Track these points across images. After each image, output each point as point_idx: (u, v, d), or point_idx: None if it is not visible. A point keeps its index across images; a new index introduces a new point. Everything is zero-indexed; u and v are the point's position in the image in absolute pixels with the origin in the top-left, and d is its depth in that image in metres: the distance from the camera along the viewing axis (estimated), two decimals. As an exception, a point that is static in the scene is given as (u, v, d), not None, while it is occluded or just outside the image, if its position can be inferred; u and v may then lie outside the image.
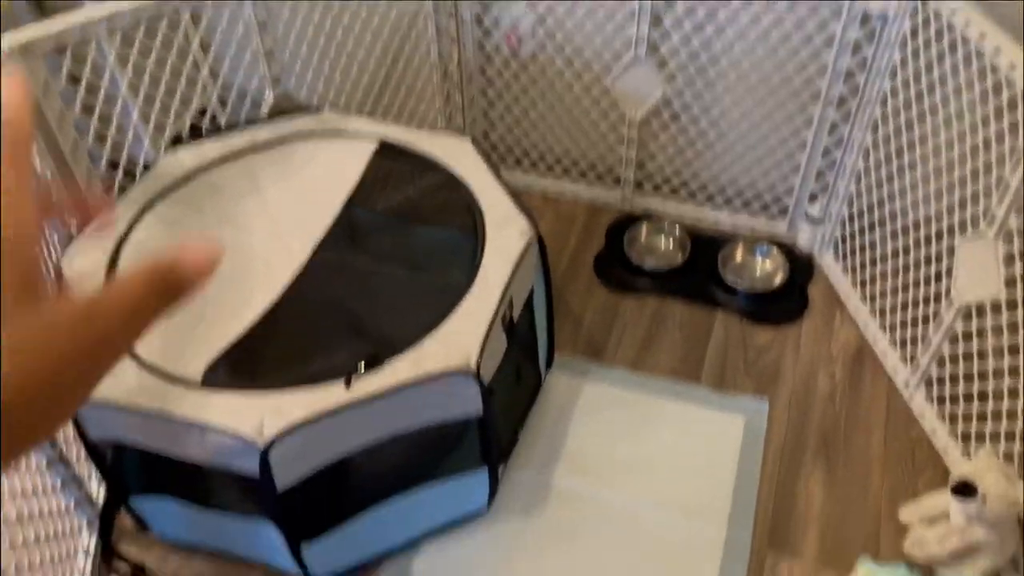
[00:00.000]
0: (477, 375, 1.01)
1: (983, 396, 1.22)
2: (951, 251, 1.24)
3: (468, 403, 1.05)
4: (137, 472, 1.10)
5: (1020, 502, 1.06)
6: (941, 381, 1.30)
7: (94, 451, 1.06)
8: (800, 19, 1.38)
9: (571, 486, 1.28)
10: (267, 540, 1.11)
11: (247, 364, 1.03)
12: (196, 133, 1.39)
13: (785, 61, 1.44)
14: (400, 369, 1.00)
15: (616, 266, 1.61)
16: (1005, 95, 1.10)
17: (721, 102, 1.54)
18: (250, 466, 0.96)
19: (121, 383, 1.00)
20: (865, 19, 1.32)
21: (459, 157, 1.30)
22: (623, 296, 1.57)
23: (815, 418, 1.37)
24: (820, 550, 1.20)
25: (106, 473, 1.10)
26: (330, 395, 0.97)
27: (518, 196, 1.22)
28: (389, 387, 0.98)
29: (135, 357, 1.03)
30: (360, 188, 1.27)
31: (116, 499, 1.14)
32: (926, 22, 1.22)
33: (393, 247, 1.19)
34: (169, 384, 1.00)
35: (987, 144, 1.15)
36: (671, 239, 1.65)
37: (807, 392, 1.41)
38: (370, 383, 0.99)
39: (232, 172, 1.30)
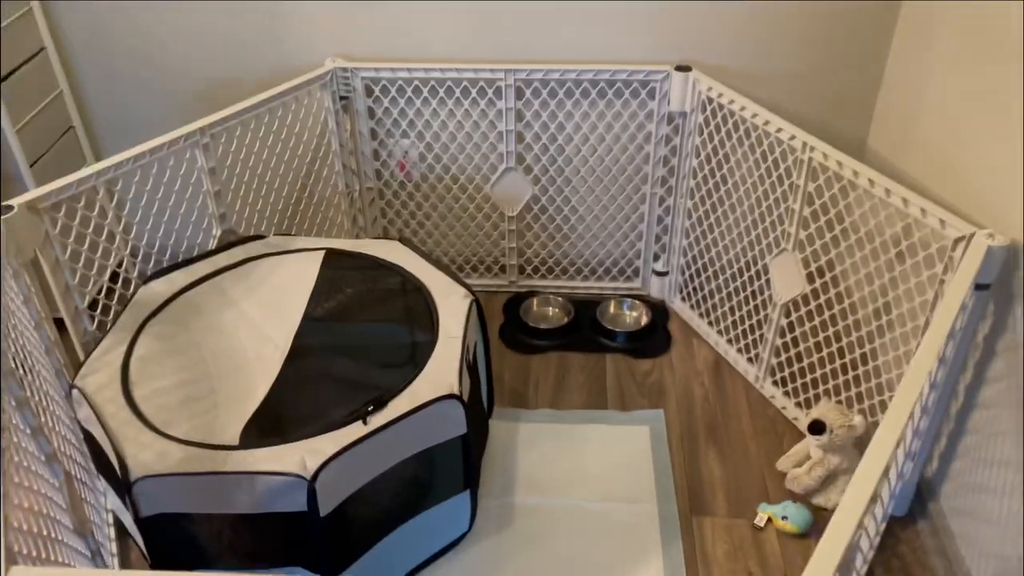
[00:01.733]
0: (460, 398, 1.30)
1: (812, 368, 1.65)
2: (766, 269, 1.70)
3: (454, 423, 1.33)
4: (180, 546, 1.26)
5: (855, 425, 1.47)
6: (780, 367, 1.74)
7: (144, 529, 1.22)
8: (624, 123, 1.86)
9: (529, 502, 1.56)
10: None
11: (273, 425, 1.25)
12: (114, 280, 1.62)
13: (619, 155, 1.91)
14: (400, 405, 1.27)
15: (518, 333, 1.96)
16: (777, 150, 1.60)
17: (577, 193, 1.97)
18: (297, 501, 1.18)
19: (169, 458, 1.19)
20: (671, 118, 1.82)
21: (394, 252, 1.62)
22: (530, 356, 1.91)
23: (698, 416, 1.75)
24: (728, 507, 1.55)
25: (153, 551, 1.25)
26: (352, 432, 1.22)
27: (453, 272, 1.55)
28: (395, 417, 1.25)
29: (172, 438, 1.23)
30: (319, 286, 1.54)
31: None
32: (713, 112, 1.72)
33: (360, 325, 1.47)
34: (212, 451, 1.21)
35: (773, 187, 1.63)
36: (556, 306, 2.03)
37: (687, 399, 1.79)
38: (380, 418, 1.25)
39: (205, 292, 1.53)
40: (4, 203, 1.31)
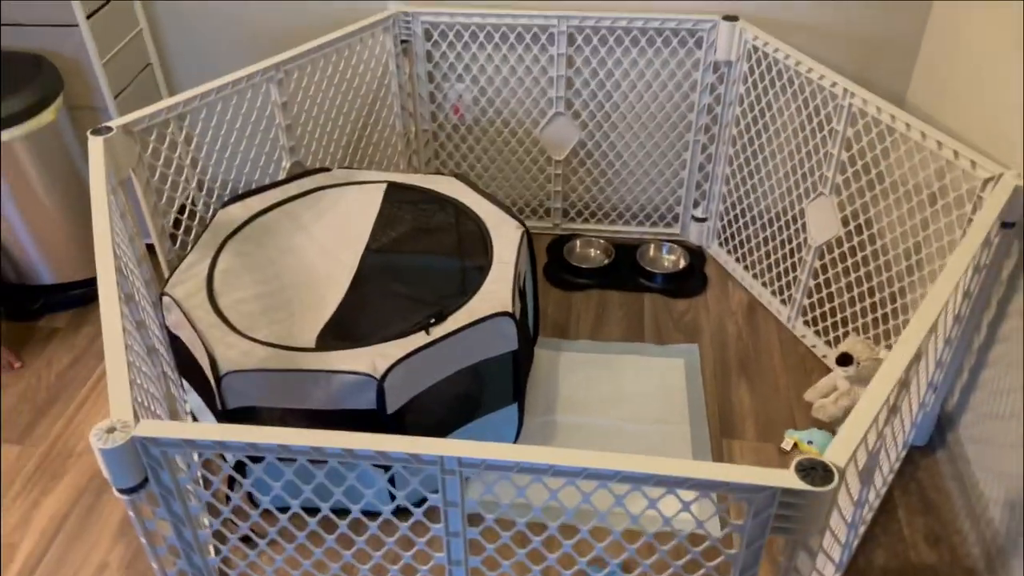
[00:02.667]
0: (513, 316, 1.42)
1: (842, 308, 1.74)
2: (802, 213, 1.78)
3: (507, 339, 1.45)
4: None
5: (881, 358, 1.56)
6: (812, 307, 1.83)
7: (229, 420, 1.36)
8: (671, 71, 1.94)
9: (570, 421, 1.68)
10: (365, 483, 1.43)
11: (345, 333, 1.38)
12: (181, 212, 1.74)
13: (664, 103, 1.99)
14: (459, 319, 1.39)
15: (561, 272, 2.07)
16: (819, 97, 1.67)
17: (622, 140, 2.06)
18: (367, 399, 1.31)
19: (253, 356, 1.33)
20: (716, 67, 1.90)
21: (450, 187, 1.73)
22: (571, 293, 2.02)
23: (731, 351, 1.85)
24: (756, 432, 1.66)
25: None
26: (415, 340, 1.35)
27: (505, 206, 1.66)
28: (454, 329, 1.37)
29: (255, 340, 1.36)
30: (382, 214, 1.66)
31: (238, 468, 1.42)
32: (758, 61, 1.80)
33: (421, 248, 1.59)
34: (291, 352, 1.34)
35: (813, 133, 1.71)
36: (598, 248, 2.13)
37: (721, 335, 1.89)
38: (441, 329, 1.37)
39: (277, 217, 1.66)
40: (104, 125, 1.44)
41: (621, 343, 1.88)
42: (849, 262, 1.70)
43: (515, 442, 1.61)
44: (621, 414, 1.70)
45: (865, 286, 1.67)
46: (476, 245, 1.57)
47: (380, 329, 1.39)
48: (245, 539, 1.47)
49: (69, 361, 1.86)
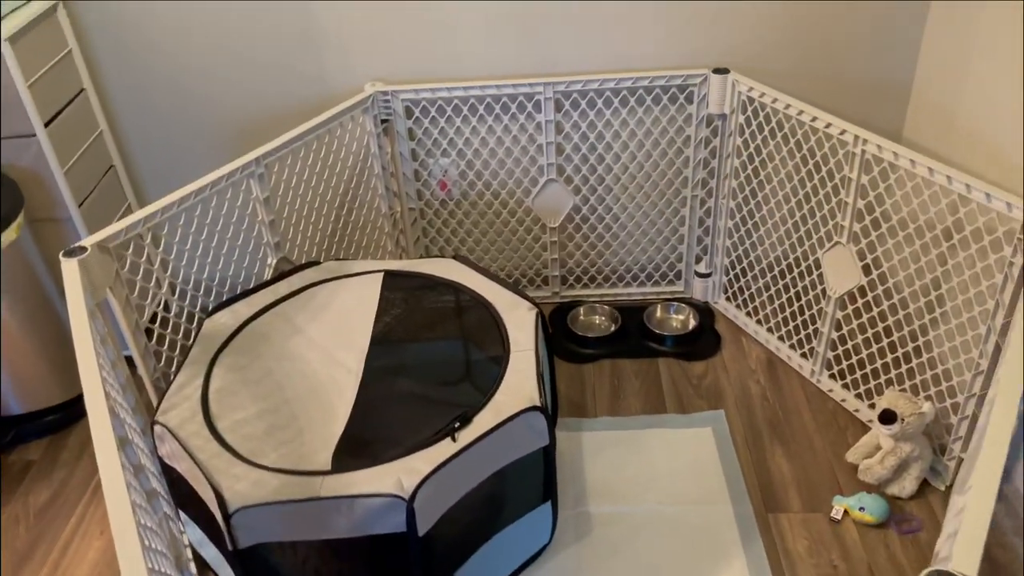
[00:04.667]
0: (543, 409, 1.31)
1: (871, 359, 1.66)
2: (817, 264, 1.71)
3: (538, 435, 1.33)
4: (277, 574, 1.26)
5: (925, 412, 1.48)
6: (837, 359, 1.75)
7: (242, 560, 1.22)
8: (663, 128, 1.88)
9: (604, 511, 1.56)
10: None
11: (363, 448, 1.26)
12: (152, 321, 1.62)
13: (658, 161, 1.92)
14: (485, 419, 1.28)
15: (567, 343, 1.97)
16: (827, 145, 1.62)
17: (617, 201, 1.99)
18: (395, 522, 1.18)
19: (264, 486, 1.19)
20: (710, 120, 1.84)
21: (451, 270, 1.63)
22: (582, 365, 1.92)
23: (759, 414, 1.76)
24: (802, 502, 1.56)
25: (248, 580, 1.25)
26: (442, 450, 1.23)
27: (512, 286, 1.56)
28: (482, 432, 1.25)
29: (264, 467, 1.23)
30: (383, 307, 1.55)
31: (254, 608, 1.28)
32: (755, 112, 1.74)
33: (429, 343, 1.48)
34: (307, 477, 1.21)
35: (823, 182, 1.65)
36: (603, 315, 2.04)
37: (746, 398, 1.80)
38: (468, 435, 1.25)
39: (269, 321, 1.54)
40: (77, 245, 1.32)
41: (643, 416, 1.77)
42: (876, 311, 1.63)
43: (549, 543, 1.49)
44: (657, 497, 1.59)
45: (895, 335, 1.60)
46: (489, 333, 1.47)
47: (400, 439, 1.27)
48: None
49: (48, 497, 1.69)
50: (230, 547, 1.21)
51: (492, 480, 1.30)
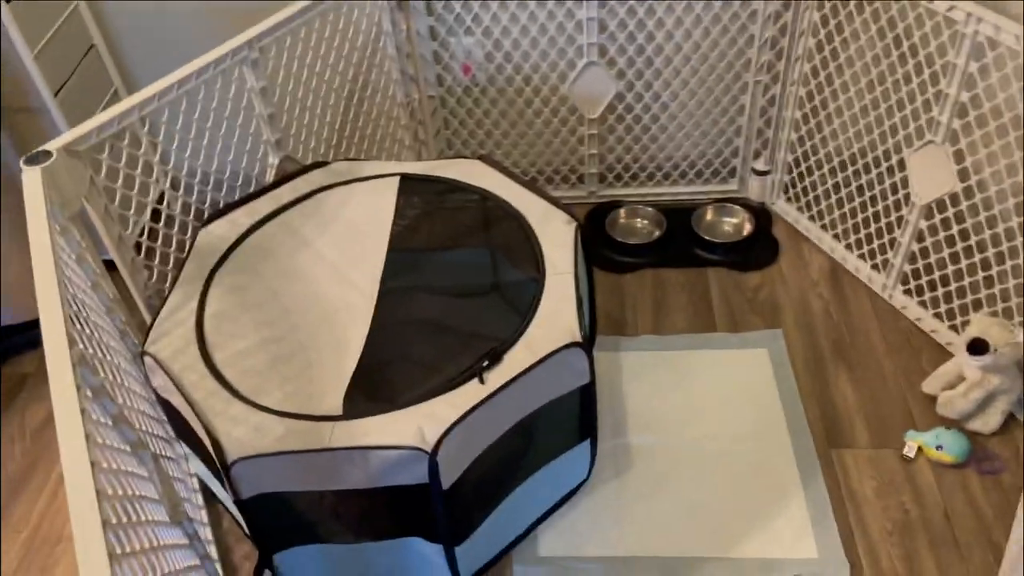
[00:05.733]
0: (584, 344, 1.13)
1: (957, 275, 1.46)
2: (902, 164, 1.48)
3: (577, 374, 1.16)
4: (284, 524, 1.13)
5: (1021, 341, 1.29)
6: (915, 274, 1.54)
7: (245, 510, 1.09)
8: (726, 2, 1.60)
9: (645, 442, 1.42)
10: (412, 558, 1.17)
11: (378, 388, 1.10)
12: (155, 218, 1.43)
13: (717, 39, 1.66)
14: (518, 357, 1.11)
15: (605, 250, 1.77)
16: (928, 24, 1.35)
17: (667, 88, 1.74)
18: (417, 474, 1.04)
19: (267, 434, 1.04)
20: (781, -8, 1.56)
21: (477, 174, 1.41)
22: (621, 275, 1.73)
23: (821, 333, 1.57)
24: (870, 436, 1.40)
25: (254, 530, 1.13)
26: (470, 394, 1.06)
27: (547, 194, 1.35)
28: (516, 374, 1.08)
29: (266, 409, 1.07)
30: (399, 218, 1.36)
31: (263, 557, 1.16)
32: (837, -16, 1.46)
33: (453, 262, 1.29)
34: (315, 423, 1.06)
35: (919, 68, 1.39)
36: (645, 218, 1.83)
37: (806, 314, 1.61)
38: (499, 375, 1.08)
39: (272, 233, 1.35)
40: (41, 148, 1.12)
41: (690, 335, 1.59)
42: (969, 223, 1.40)
43: (587, 479, 1.35)
44: (705, 428, 1.43)
45: (990, 251, 1.38)
46: (522, 251, 1.27)
47: (421, 379, 1.10)
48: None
49: (44, 416, 1.57)
50: (231, 497, 1.07)
51: (525, 423, 1.14)
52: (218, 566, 1.26)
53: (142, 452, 1.01)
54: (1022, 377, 1.36)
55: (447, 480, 1.05)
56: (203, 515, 1.35)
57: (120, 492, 0.86)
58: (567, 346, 1.11)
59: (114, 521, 0.80)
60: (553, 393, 1.16)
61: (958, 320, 1.47)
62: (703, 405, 1.47)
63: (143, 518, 0.91)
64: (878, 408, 1.43)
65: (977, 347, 1.31)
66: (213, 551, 1.29)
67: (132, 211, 1.33)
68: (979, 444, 1.36)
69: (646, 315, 1.65)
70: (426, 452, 1.01)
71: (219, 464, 1.04)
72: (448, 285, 1.25)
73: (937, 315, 1.52)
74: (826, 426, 1.42)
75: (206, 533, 1.31)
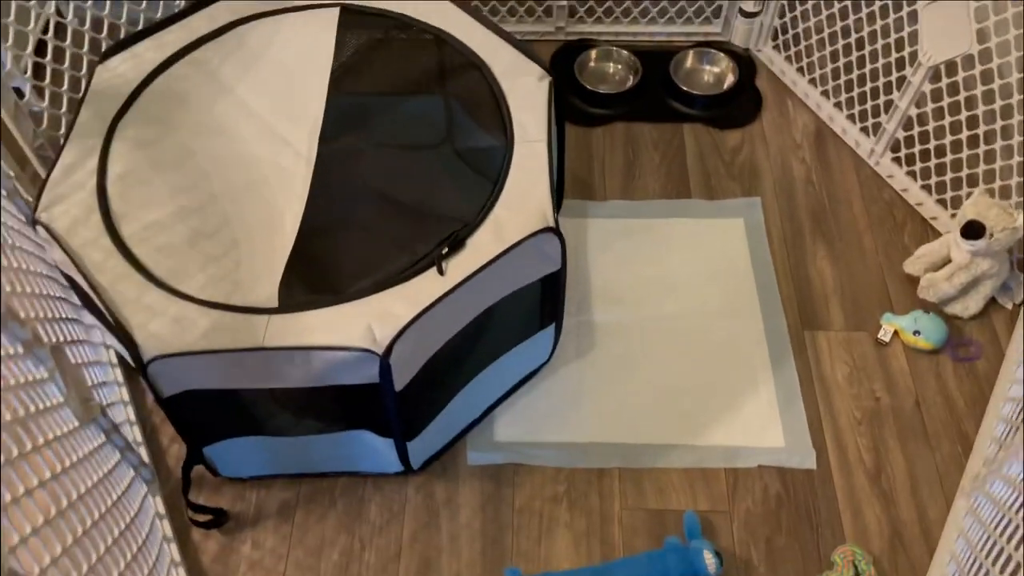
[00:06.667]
0: (557, 229, 0.99)
1: (955, 147, 1.34)
2: (913, 17, 1.31)
3: (548, 261, 1.03)
4: (214, 420, 1.01)
5: (1020, 228, 1.20)
6: (909, 142, 1.42)
7: (169, 407, 0.96)
8: None
9: (610, 319, 1.32)
10: (359, 448, 1.08)
11: (320, 275, 0.95)
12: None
13: None
14: (483, 244, 0.96)
15: (573, 98, 1.59)
16: None
17: (650, -93, 1.49)
18: (366, 376, 0.92)
19: (189, 328, 0.90)
20: None
21: (434, 12, 1.20)
22: (590, 129, 1.56)
23: (801, 202, 1.46)
24: (846, 318, 1.32)
25: (181, 428, 1.01)
26: (427, 287, 0.93)
27: (517, 40, 1.16)
28: (480, 265, 0.94)
29: (188, 298, 0.92)
30: (339, 63, 1.15)
31: (193, 452, 1.05)
32: None
33: (406, 122, 1.11)
34: (245, 317, 0.91)
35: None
36: (619, 62, 1.64)
37: (787, 180, 1.49)
38: (460, 266, 0.94)
39: (186, 74, 1.13)
40: None
41: (662, 201, 1.46)
42: (979, 90, 1.26)
43: (547, 362, 1.26)
44: (675, 307, 1.33)
45: (998, 125, 1.25)
46: (486, 111, 1.09)
47: (370, 266, 0.96)
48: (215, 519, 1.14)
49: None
50: (151, 395, 0.94)
51: (486, 314, 1.02)
52: (143, 452, 1.15)
53: (38, 350, 0.86)
54: (1010, 262, 1.29)
55: (400, 382, 0.94)
56: (123, 393, 1.21)
57: (12, 416, 0.72)
58: (539, 232, 0.97)
59: (15, 454, 0.67)
60: (519, 282, 1.03)
61: (948, 195, 1.37)
62: (673, 280, 1.36)
63: (48, 436, 0.78)
64: (855, 288, 1.35)
65: (972, 230, 1.22)
66: (137, 433, 1.18)
67: (10, 43, 1.09)
68: (956, 329, 1.30)
69: (616, 177, 1.50)
70: (377, 355, 0.89)
71: (134, 362, 0.90)
72: (400, 149, 1.08)
73: (926, 187, 1.41)
74: (800, 305, 1.34)
75: (127, 413, 1.19)
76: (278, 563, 1.11)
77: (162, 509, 1.11)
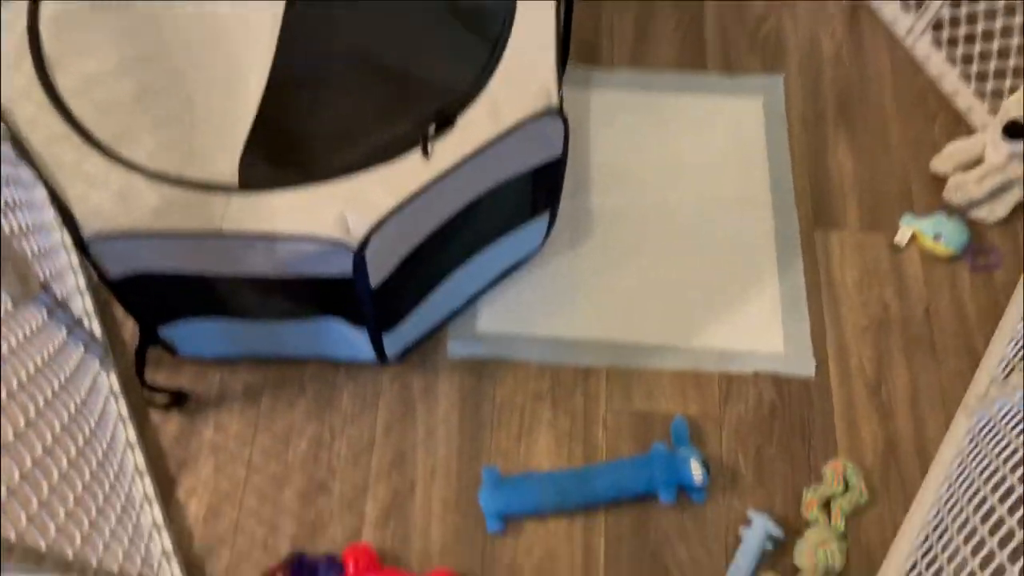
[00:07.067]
0: (561, 111, 0.87)
1: (1005, 31, 1.20)
2: None
3: (548, 147, 0.91)
4: (169, 303, 0.92)
5: (1070, 133, 1.09)
6: (954, 22, 1.27)
7: (117, 289, 0.86)
8: None
9: (608, 204, 1.21)
10: (336, 336, 0.99)
11: (287, 151, 0.83)
12: None
13: None
14: (477, 124, 0.84)
15: (584, -52, 1.40)
16: None
17: None
18: (338, 268, 0.82)
19: (135, 203, 0.78)
20: None
21: None
22: (600, -16, 1.39)
23: (827, 83, 1.33)
24: (862, 217, 1.23)
25: (132, 308, 0.91)
26: (410, 171, 0.81)
27: None
28: (471, 150, 0.82)
29: (134, 167, 0.80)
30: None
31: (147, 333, 0.96)
32: None
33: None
34: (202, 195, 0.80)
35: None
36: (637, -95, 1.44)
37: (814, 57, 1.35)
38: (449, 148, 0.82)
39: None
40: None
41: (674, 74, 1.32)
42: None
43: (538, 251, 1.16)
44: (680, 194, 1.23)
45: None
46: (486, -40, 0.93)
47: (345, 141, 0.83)
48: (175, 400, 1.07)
49: None
50: (96, 276, 0.84)
51: (475, 203, 0.91)
52: (95, 325, 1.06)
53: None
54: (1046, 166, 1.19)
55: (376, 277, 0.84)
56: (72, 259, 1.11)
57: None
58: (541, 114, 0.85)
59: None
60: (514, 169, 0.91)
61: (989, 86, 1.24)
62: (680, 163, 1.25)
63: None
64: (876, 184, 1.25)
65: (1016, 129, 1.10)
66: (89, 303, 1.08)
67: None
68: (977, 235, 1.21)
69: (625, 42, 1.35)
70: (350, 248, 0.78)
71: (72, 238, 0.79)
72: (382, 9, 0.92)
73: (965, 76, 1.28)
74: (815, 200, 1.23)
75: (78, 282, 1.09)
76: (243, 448, 1.05)
77: (117, 387, 1.04)
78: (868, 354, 1.14)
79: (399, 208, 0.79)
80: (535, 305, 1.14)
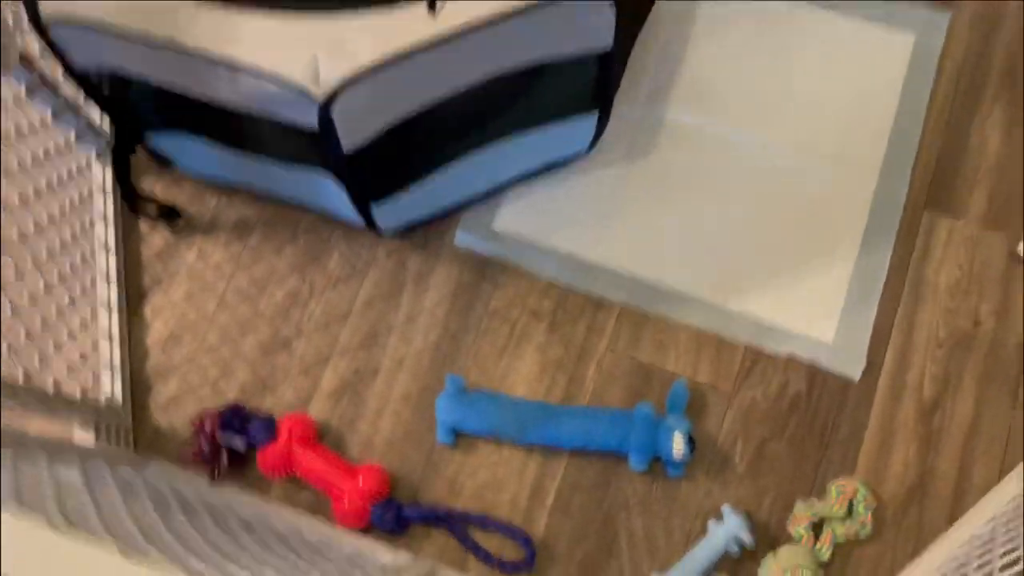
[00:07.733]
0: (615, -5, 0.70)
1: None
2: None
3: (594, 36, 0.75)
4: (150, 108, 0.84)
5: None
6: None
7: (86, 83, 0.79)
8: None
9: (687, 122, 1.03)
10: (326, 190, 0.90)
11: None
12: None
13: None
14: (503, -18, 0.68)
15: None
16: None
17: None
18: (305, 120, 0.71)
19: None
20: None
21: None
22: None
23: (1005, 37, 1.06)
24: (988, 210, 1.00)
25: (107, 108, 0.84)
26: (406, 26, 0.67)
27: None
28: (491, 17, 0.67)
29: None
30: None
31: (126, 136, 0.89)
32: None
33: None
34: (162, 1, 0.69)
35: None
36: None
37: (996, 3, 1.08)
38: (463, 9, 0.68)
39: None
40: None
41: (817, -19, 1.09)
42: None
43: (588, 152, 1.00)
44: (772, 130, 1.03)
45: None
46: None
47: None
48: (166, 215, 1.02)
49: None
50: (61, 68, 0.76)
51: (497, 80, 0.76)
52: (98, 118, 1.00)
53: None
54: None
55: (350, 142, 0.72)
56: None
57: None
58: (584, -10, 0.68)
59: None
60: (547, 53, 0.75)
61: None
62: (786, 95, 1.04)
63: None
64: (1016, 174, 1.01)
65: None
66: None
67: None
68: None
69: (770, -71, 1.11)
70: (314, 100, 0.67)
71: (34, 24, 0.70)
72: None
73: None
74: (936, 176, 1.01)
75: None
76: (219, 282, 1.00)
77: (109, 185, 0.99)
78: (934, 371, 0.95)
79: (383, 66, 0.66)
80: (564, 214, 1.00)
